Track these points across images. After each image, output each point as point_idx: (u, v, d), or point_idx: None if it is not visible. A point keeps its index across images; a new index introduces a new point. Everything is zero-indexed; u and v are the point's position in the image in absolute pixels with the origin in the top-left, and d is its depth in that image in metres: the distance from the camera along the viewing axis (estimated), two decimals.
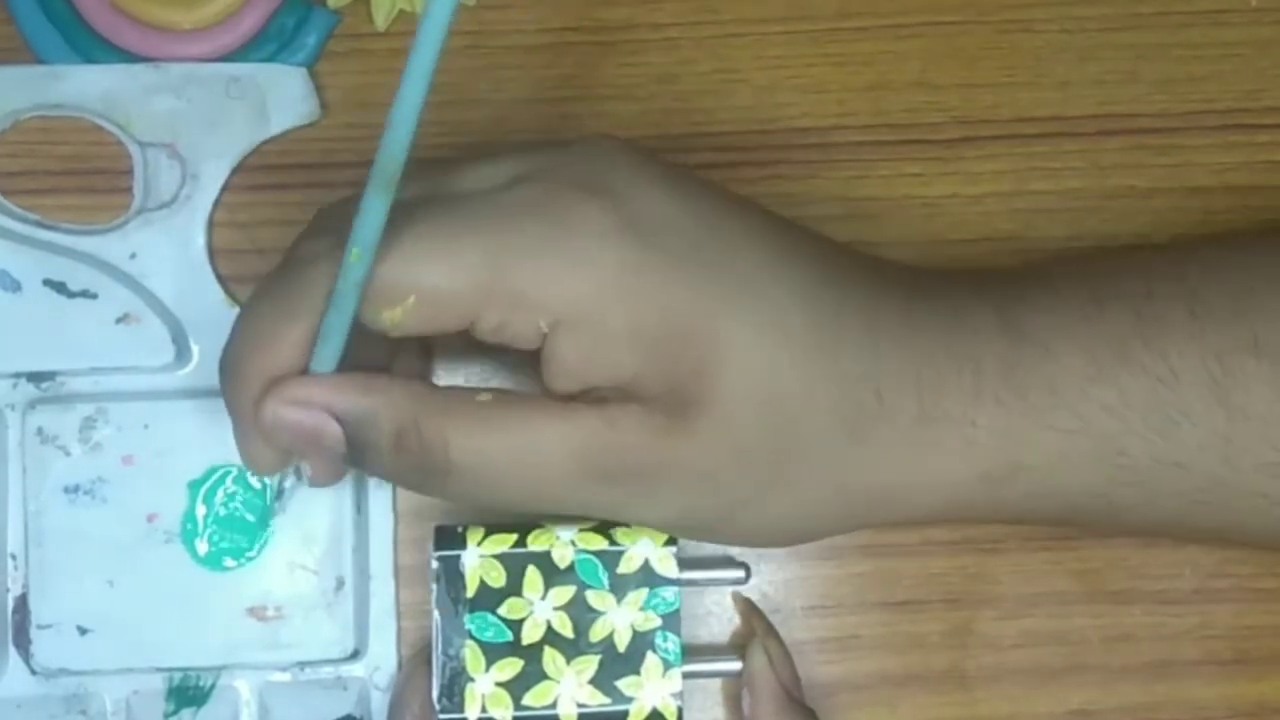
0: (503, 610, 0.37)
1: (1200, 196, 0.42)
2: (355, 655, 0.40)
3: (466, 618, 0.37)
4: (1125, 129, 0.42)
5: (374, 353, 0.34)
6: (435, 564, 0.37)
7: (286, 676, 0.40)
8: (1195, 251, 0.37)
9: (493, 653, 0.37)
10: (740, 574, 0.39)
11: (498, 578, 0.37)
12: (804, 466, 0.33)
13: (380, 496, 0.41)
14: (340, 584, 0.40)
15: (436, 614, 0.37)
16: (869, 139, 0.42)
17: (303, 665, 0.40)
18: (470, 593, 0.37)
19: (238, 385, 0.33)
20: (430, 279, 0.31)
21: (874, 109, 0.42)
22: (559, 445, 0.32)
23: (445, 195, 0.32)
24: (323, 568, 0.40)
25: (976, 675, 0.41)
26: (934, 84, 0.42)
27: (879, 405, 0.33)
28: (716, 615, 0.41)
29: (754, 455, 0.32)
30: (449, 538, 0.38)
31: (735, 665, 0.39)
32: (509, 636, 0.37)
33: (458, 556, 0.37)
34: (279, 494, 0.39)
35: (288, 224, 0.41)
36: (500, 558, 0.37)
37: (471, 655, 0.37)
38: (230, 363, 0.33)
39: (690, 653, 0.38)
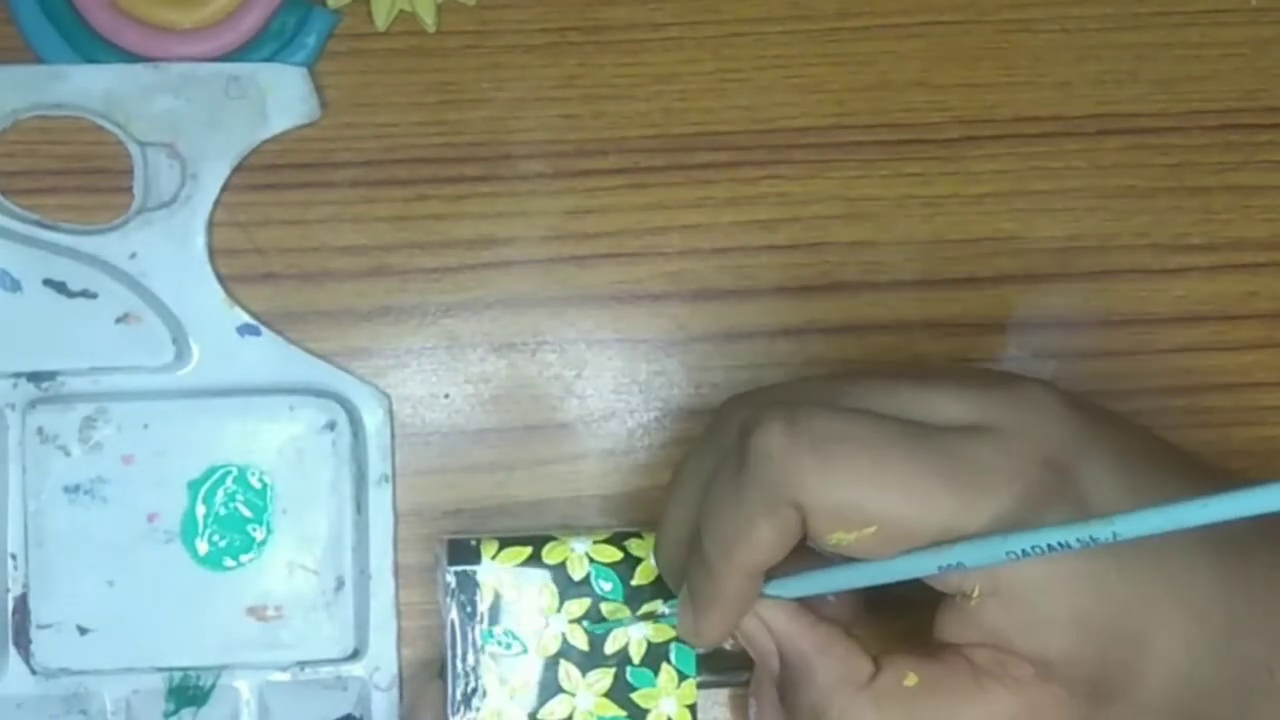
0: (517, 623, 0.37)
1: (1200, 196, 0.42)
2: (355, 655, 0.40)
3: (481, 631, 0.37)
4: (1125, 129, 0.42)
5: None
6: (450, 578, 0.37)
7: (286, 676, 0.40)
8: None
9: (508, 666, 0.37)
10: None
11: (512, 591, 0.37)
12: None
13: (380, 496, 0.41)
14: (340, 584, 0.40)
15: (451, 628, 0.37)
16: (869, 139, 0.42)
17: (303, 665, 0.40)
18: (485, 606, 0.37)
19: (713, 580, 0.32)
20: (897, 515, 0.30)
21: (874, 109, 0.42)
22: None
23: (904, 421, 0.31)
24: (323, 567, 0.40)
25: None
26: (934, 84, 0.42)
27: (1270, 681, 0.32)
28: None
29: None
30: (463, 551, 0.37)
31: (748, 675, 0.39)
32: (524, 649, 0.37)
33: (473, 570, 0.37)
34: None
35: (288, 223, 0.41)
36: (515, 571, 0.37)
37: (486, 669, 0.37)
38: (706, 557, 0.32)
39: (708, 663, 0.38)
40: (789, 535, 0.31)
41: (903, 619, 0.34)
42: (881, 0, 0.42)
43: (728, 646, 0.35)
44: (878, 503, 0.30)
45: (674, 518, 0.34)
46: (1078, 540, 0.28)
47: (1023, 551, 0.29)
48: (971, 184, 0.42)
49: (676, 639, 0.37)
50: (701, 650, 0.37)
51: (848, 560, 0.32)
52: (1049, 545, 0.29)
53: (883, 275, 0.42)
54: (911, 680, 0.32)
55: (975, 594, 0.31)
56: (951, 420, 0.32)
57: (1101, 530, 0.28)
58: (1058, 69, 0.42)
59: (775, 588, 0.33)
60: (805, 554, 0.32)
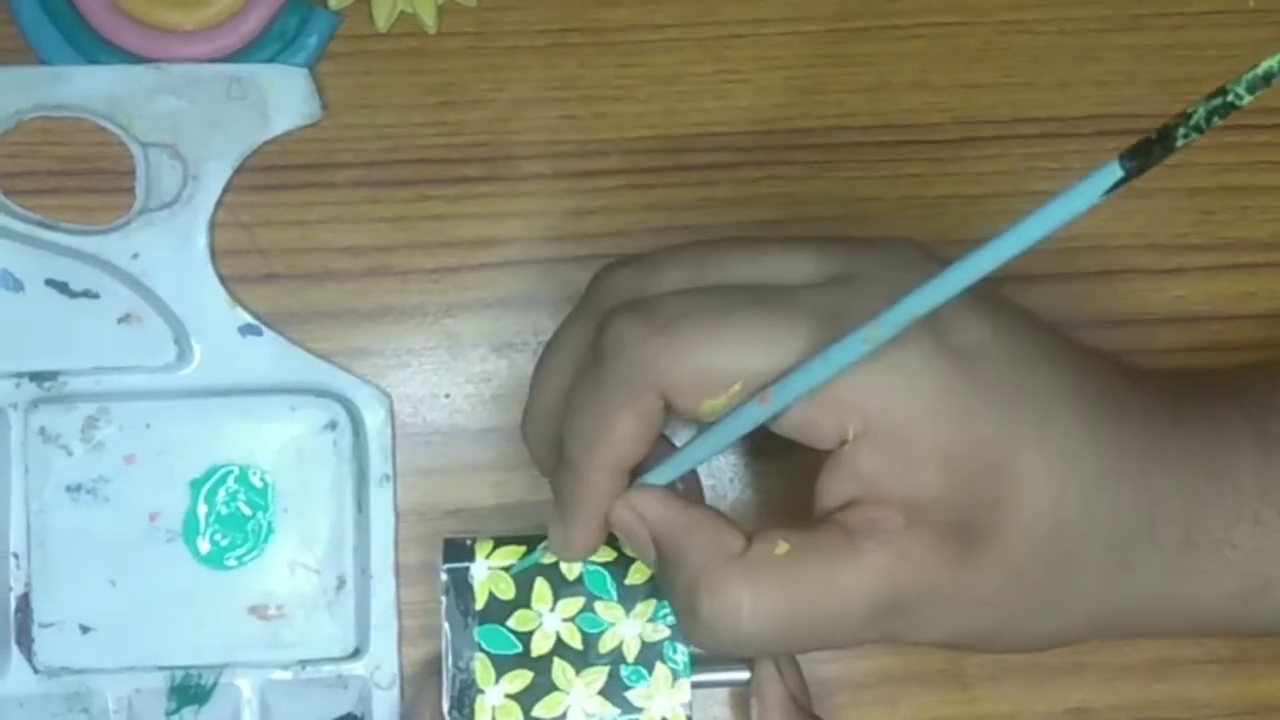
0: (512, 622, 0.37)
1: (1199, 197, 0.42)
2: (356, 654, 0.40)
3: (476, 630, 0.37)
4: (1125, 129, 0.42)
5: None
6: (444, 576, 0.37)
7: (288, 675, 0.40)
8: None
9: (502, 664, 0.37)
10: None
11: (506, 590, 0.37)
12: (1072, 593, 0.33)
13: (381, 496, 0.41)
14: (341, 583, 0.40)
15: (446, 626, 0.37)
16: (869, 139, 0.42)
17: (304, 664, 0.40)
18: (479, 605, 0.37)
19: (578, 480, 0.33)
20: (758, 368, 0.31)
21: (874, 109, 0.42)
22: (857, 593, 0.31)
23: (761, 285, 0.32)
24: (324, 566, 0.40)
25: (976, 674, 0.41)
26: (934, 84, 0.42)
27: (1149, 533, 0.33)
28: None
29: (1029, 583, 0.32)
30: (457, 550, 0.38)
31: (743, 675, 0.39)
32: (518, 648, 0.37)
33: (466, 569, 0.37)
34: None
35: (289, 224, 0.42)
36: (509, 570, 0.38)
37: (481, 667, 0.37)
38: (568, 456, 0.33)
39: (702, 661, 0.38)
40: (651, 425, 0.32)
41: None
42: (881, 2, 0.42)
43: (597, 561, 0.36)
44: (732, 358, 0.31)
45: (540, 404, 0.35)
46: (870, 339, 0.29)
47: (857, 348, 0.29)
48: (971, 185, 0.42)
49: (671, 638, 0.37)
50: (574, 560, 0.37)
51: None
52: (863, 342, 0.29)
53: None
54: (783, 548, 0.32)
55: (850, 436, 0.31)
56: (812, 278, 0.32)
57: (883, 324, 0.28)
58: (1057, 70, 0.42)
59: (643, 481, 0.33)
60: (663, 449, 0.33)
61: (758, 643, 0.32)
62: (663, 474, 0.33)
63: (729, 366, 0.31)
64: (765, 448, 0.41)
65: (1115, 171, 0.25)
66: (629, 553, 0.38)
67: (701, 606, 0.31)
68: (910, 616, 0.32)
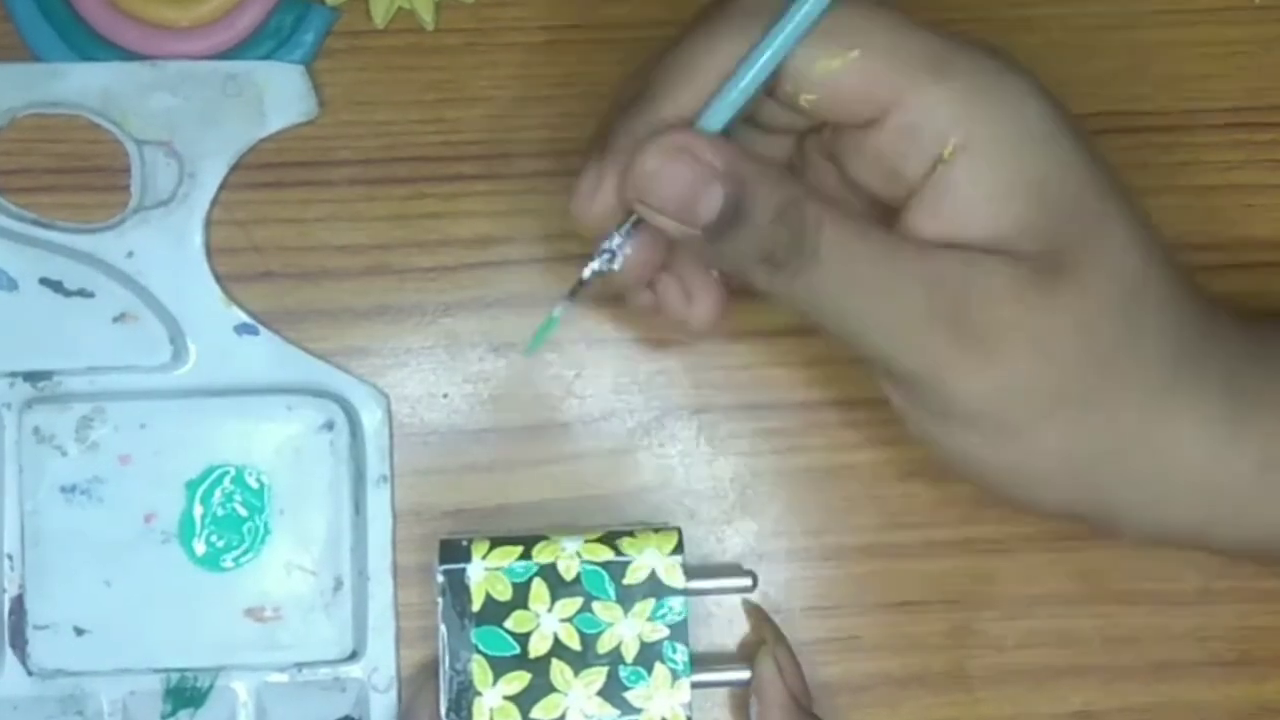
0: (509, 623, 0.37)
1: (1204, 195, 0.42)
2: (353, 656, 0.40)
3: (473, 631, 0.37)
4: (1128, 127, 0.42)
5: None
6: (440, 578, 0.37)
7: (284, 677, 0.40)
8: None
9: (500, 666, 0.37)
10: (747, 582, 0.39)
11: (503, 591, 0.37)
12: (1119, 392, 0.32)
13: (378, 496, 0.41)
14: (338, 584, 0.40)
15: (443, 628, 0.37)
16: None
17: (300, 666, 0.40)
18: (476, 606, 0.37)
19: (641, 111, 0.33)
20: (883, 40, 0.31)
21: None
22: (917, 274, 0.31)
23: None
24: (321, 568, 0.40)
25: (978, 676, 0.41)
26: None
27: (1198, 367, 0.33)
28: (725, 621, 0.41)
29: (1096, 340, 0.32)
30: (454, 551, 0.37)
31: (744, 674, 0.39)
32: (516, 650, 0.37)
33: (463, 570, 0.37)
34: (578, 286, 0.35)
35: (285, 222, 0.41)
36: (506, 571, 0.37)
37: (479, 669, 0.37)
38: (642, 89, 0.33)
39: (699, 661, 0.38)
40: (741, 55, 0.32)
41: None
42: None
43: (616, 267, 0.34)
44: (866, 21, 0.31)
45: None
46: None
47: None
48: None
49: (670, 638, 0.37)
50: (590, 229, 0.35)
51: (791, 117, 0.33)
52: None
53: None
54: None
55: (948, 153, 0.31)
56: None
57: None
58: (1058, 68, 0.42)
59: (704, 124, 0.32)
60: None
61: (824, 279, 0.32)
62: (716, 117, 0.32)
63: (857, 25, 0.31)
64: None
65: None
66: (628, 553, 0.37)
67: (792, 219, 0.31)
68: (963, 346, 0.31)
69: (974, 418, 0.32)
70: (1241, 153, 0.42)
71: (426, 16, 0.41)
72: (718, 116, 0.32)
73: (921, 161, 0.32)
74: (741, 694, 0.40)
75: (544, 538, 0.38)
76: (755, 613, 0.41)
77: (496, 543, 0.38)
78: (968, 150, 0.31)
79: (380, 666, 0.40)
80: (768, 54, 0.31)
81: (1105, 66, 0.42)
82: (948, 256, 0.31)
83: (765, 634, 0.40)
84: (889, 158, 0.32)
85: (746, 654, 0.40)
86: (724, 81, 0.32)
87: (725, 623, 0.41)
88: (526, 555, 0.37)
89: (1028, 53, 0.42)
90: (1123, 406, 0.32)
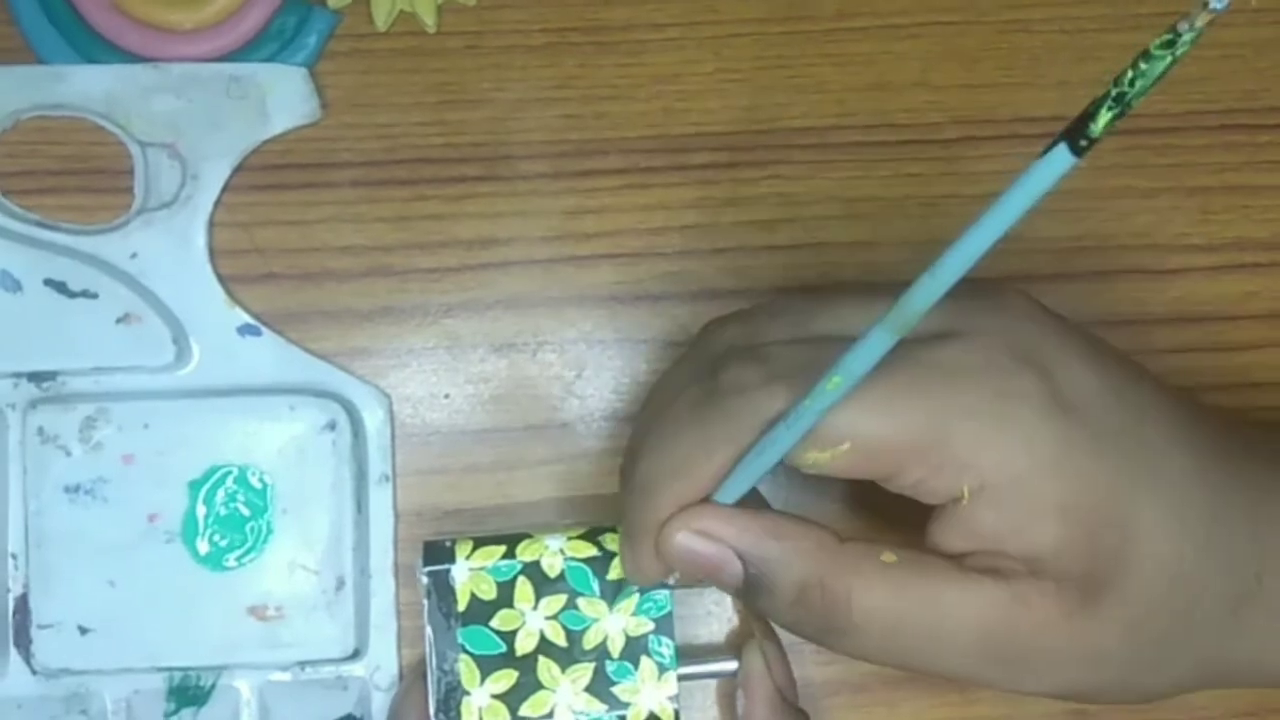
0: (495, 622, 0.37)
1: (1200, 196, 0.42)
2: (355, 655, 0.40)
3: (459, 631, 0.37)
4: (1125, 129, 0.41)
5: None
6: (425, 579, 0.37)
7: (287, 676, 0.40)
8: None
9: (487, 665, 0.37)
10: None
11: (488, 590, 0.37)
12: (1186, 647, 0.32)
13: (380, 496, 0.41)
14: (341, 583, 0.40)
15: (429, 629, 0.37)
16: (869, 139, 0.42)
17: (303, 665, 0.40)
18: (462, 606, 0.37)
19: (649, 504, 0.33)
20: (870, 430, 0.30)
21: (874, 109, 0.42)
22: (966, 620, 0.31)
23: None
24: (323, 567, 0.40)
25: None
26: (934, 84, 0.42)
27: (1258, 588, 0.32)
28: (715, 615, 0.41)
29: (1147, 636, 0.32)
30: (437, 552, 0.38)
31: (731, 665, 0.39)
32: (502, 648, 0.37)
33: (447, 570, 0.37)
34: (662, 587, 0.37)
35: (288, 224, 0.42)
36: (490, 570, 0.37)
37: (466, 669, 0.37)
38: (645, 481, 0.33)
39: (688, 653, 0.38)
40: (735, 458, 0.31)
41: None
42: (881, 1, 0.42)
43: (670, 582, 0.36)
44: (850, 418, 0.30)
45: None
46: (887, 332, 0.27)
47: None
48: (971, 184, 0.42)
49: (655, 631, 0.37)
50: (645, 587, 0.37)
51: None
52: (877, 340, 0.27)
53: (882, 275, 0.42)
54: (889, 558, 0.32)
55: (965, 495, 0.31)
56: (921, 333, 0.31)
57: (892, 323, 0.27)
58: (1057, 69, 0.42)
59: (719, 496, 0.32)
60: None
61: (866, 642, 0.31)
62: (728, 493, 0.32)
63: (846, 424, 0.30)
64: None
65: (1065, 156, 0.24)
66: (611, 548, 0.37)
67: (814, 600, 0.31)
68: (1021, 667, 0.32)
69: (1070, 695, 0.33)
70: (1238, 154, 0.42)
71: (428, 19, 0.42)
72: (733, 490, 0.32)
73: (940, 498, 0.31)
74: (728, 686, 0.40)
75: (527, 535, 0.38)
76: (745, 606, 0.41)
77: (480, 543, 0.38)
78: (985, 491, 0.31)
79: (382, 665, 0.41)
80: (774, 454, 0.31)
81: (1102, 68, 0.42)
82: (992, 594, 0.31)
83: (754, 627, 0.40)
84: (910, 494, 0.32)
85: (735, 646, 0.40)
86: (734, 464, 0.32)
87: (715, 615, 0.41)
88: (510, 554, 0.37)
89: (1025, 56, 0.42)
90: (1191, 651, 0.33)
